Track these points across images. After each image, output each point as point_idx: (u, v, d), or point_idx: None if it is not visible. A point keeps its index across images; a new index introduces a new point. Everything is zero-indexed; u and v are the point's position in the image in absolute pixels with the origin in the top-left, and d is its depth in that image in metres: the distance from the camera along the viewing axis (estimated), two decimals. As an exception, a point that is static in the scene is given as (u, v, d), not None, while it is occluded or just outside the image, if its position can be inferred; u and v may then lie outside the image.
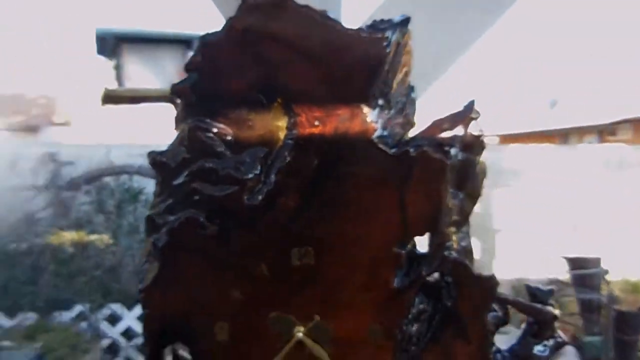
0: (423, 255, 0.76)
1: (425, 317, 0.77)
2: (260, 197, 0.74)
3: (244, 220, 0.74)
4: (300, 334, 0.75)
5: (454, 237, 0.77)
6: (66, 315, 3.34)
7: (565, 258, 3.05)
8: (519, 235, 4.42)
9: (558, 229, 4.29)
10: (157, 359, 0.78)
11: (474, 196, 0.78)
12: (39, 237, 3.77)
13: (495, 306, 0.78)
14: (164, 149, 0.76)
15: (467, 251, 0.79)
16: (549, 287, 0.80)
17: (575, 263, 2.95)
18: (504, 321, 0.78)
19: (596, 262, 2.83)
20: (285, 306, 0.76)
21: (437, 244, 0.75)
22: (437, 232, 0.75)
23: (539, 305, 0.77)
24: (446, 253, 0.76)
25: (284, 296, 0.76)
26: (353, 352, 0.77)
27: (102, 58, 5.53)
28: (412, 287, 0.76)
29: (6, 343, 3.28)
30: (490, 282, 0.76)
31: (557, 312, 0.78)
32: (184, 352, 0.79)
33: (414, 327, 0.77)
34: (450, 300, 0.76)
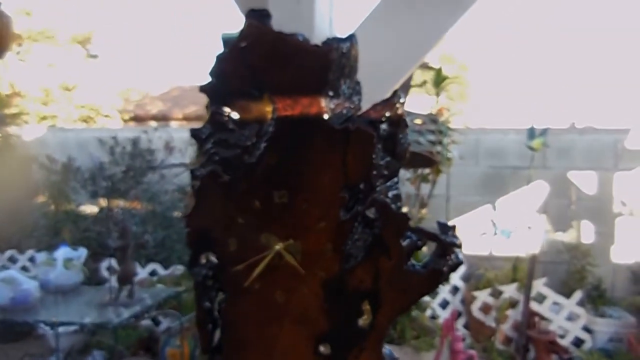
0: (360, 197, 1.10)
1: (362, 240, 1.11)
2: (254, 158, 1.14)
3: (244, 172, 1.16)
4: (277, 247, 1.15)
5: (383, 186, 1.10)
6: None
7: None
8: (641, 220, 4.20)
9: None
10: (197, 261, 1.24)
11: (398, 158, 1.10)
12: (188, 205, 4.63)
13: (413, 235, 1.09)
14: (199, 127, 1.20)
15: (396, 197, 1.11)
16: (453, 224, 1.08)
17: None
18: (418, 246, 1.08)
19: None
20: (271, 229, 1.16)
21: (368, 190, 1.09)
22: (368, 182, 1.09)
23: (440, 234, 1.06)
24: (375, 196, 1.09)
25: (270, 223, 1.16)
26: (314, 261, 1.14)
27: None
28: (353, 219, 1.11)
29: (160, 286, 4.16)
30: (403, 217, 1.08)
31: (457, 241, 1.06)
32: (212, 257, 1.24)
33: (356, 247, 1.12)
34: (378, 229, 1.09)
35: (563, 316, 3.95)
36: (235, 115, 1.16)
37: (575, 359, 3.80)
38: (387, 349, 1.13)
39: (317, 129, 1.10)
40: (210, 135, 1.18)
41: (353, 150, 1.08)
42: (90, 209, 4.51)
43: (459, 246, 1.07)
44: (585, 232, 4.27)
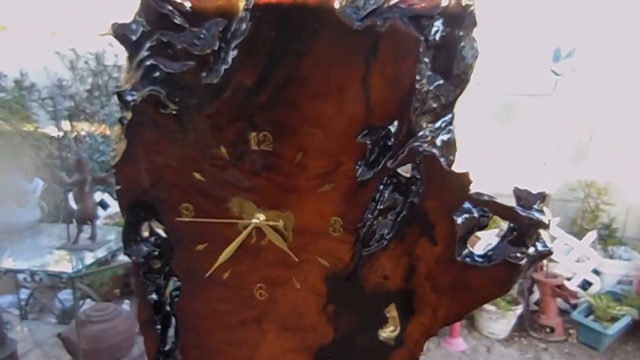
0: (390, 146, 0.67)
1: (392, 214, 0.70)
2: (218, 76, 0.69)
3: (202, 99, 0.71)
4: (256, 220, 0.73)
5: (429, 128, 0.67)
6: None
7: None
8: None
9: None
10: (135, 232, 0.82)
11: (458, 81, 0.65)
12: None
13: (473, 208, 0.67)
14: (128, 21, 0.73)
15: (449, 146, 0.68)
16: (541, 191, 0.67)
17: None
18: (480, 225, 0.67)
19: None
20: (246, 192, 0.74)
21: (405, 133, 0.66)
22: (404, 120, 0.65)
23: (519, 209, 0.65)
24: (416, 145, 0.66)
25: (245, 181, 0.73)
26: (313, 243, 0.73)
27: None
28: (376, 180, 0.68)
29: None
30: (462, 179, 0.65)
31: (545, 218, 0.65)
32: (159, 229, 0.82)
33: (379, 224, 0.70)
34: (418, 197, 0.67)
35: (573, 258, 3.68)
36: (185, 3, 0.69)
37: (581, 303, 3.57)
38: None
39: (320, 28, 0.64)
40: (146, 35, 0.72)
41: (382, 66, 0.64)
42: (53, 132, 4.00)
43: (547, 226, 0.66)
44: (603, 169, 3.91)
